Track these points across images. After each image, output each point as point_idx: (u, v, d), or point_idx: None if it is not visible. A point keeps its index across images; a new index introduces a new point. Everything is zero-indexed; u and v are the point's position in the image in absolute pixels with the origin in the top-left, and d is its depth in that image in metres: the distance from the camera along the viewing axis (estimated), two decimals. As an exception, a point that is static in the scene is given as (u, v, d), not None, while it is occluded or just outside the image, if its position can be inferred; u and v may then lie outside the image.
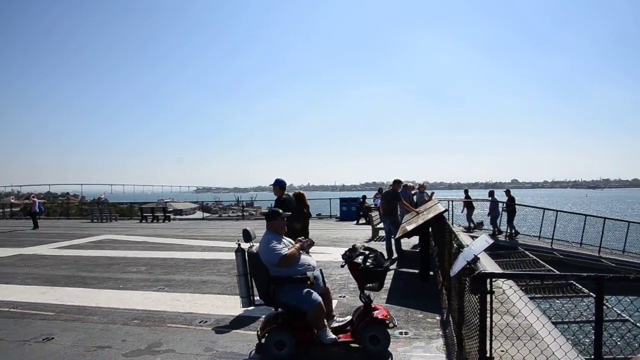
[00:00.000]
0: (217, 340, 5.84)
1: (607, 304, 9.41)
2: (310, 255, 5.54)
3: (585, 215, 19.54)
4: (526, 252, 15.43)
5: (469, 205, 20.69)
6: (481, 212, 23.05)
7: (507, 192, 20.19)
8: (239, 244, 5.51)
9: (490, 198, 20.12)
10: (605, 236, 18.62)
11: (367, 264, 5.19)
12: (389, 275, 9.55)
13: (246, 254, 5.42)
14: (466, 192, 22.59)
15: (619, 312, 9.23)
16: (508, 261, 14.49)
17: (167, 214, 28.65)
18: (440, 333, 6.06)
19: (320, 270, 5.54)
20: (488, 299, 3.25)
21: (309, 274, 5.12)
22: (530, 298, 9.68)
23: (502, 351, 4.87)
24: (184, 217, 35.91)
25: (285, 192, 8.39)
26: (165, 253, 13.44)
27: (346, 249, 5.62)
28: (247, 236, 5.56)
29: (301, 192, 8.80)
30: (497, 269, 10.85)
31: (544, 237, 18.73)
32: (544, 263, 13.47)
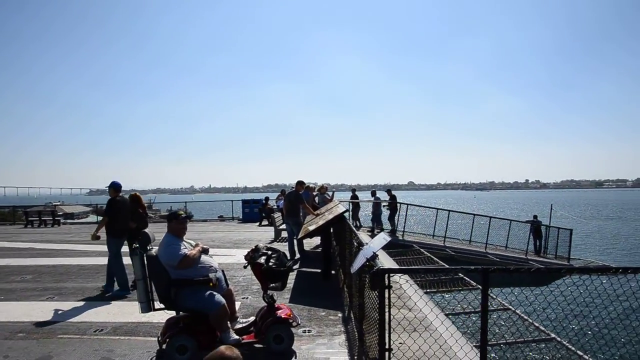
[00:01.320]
0: (115, 349, 5.54)
1: (491, 294, 10.21)
2: (211, 257, 5.45)
3: (474, 214, 21.07)
4: (421, 249, 16.26)
5: (355, 205, 21.31)
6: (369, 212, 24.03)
7: (389, 192, 21.20)
8: (136, 247, 5.26)
9: (372, 197, 21.06)
10: (490, 234, 20.23)
11: (270, 264, 5.21)
12: (292, 275, 9.64)
13: (145, 257, 5.20)
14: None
15: (502, 301, 10.03)
16: (405, 259, 15.20)
17: (57, 218, 26.61)
18: (343, 329, 6.23)
19: (223, 271, 5.46)
20: (386, 294, 3.40)
21: (211, 275, 5.03)
22: (426, 292, 10.26)
23: (400, 343, 5.11)
24: (75, 221, 33.50)
25: (120, 195, 8.81)
26: (54, 260, 12.42)
27: (249, 250, 5.60)
28: (145, 239, 5.33)
29: (137, 194, 9.26)
30: (395, 266, 11.38)
31: (438, 236, 19.91)
32: (437, 260, 14.28)
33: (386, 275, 3.43)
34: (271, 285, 5.32)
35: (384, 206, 20.43)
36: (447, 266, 12.32)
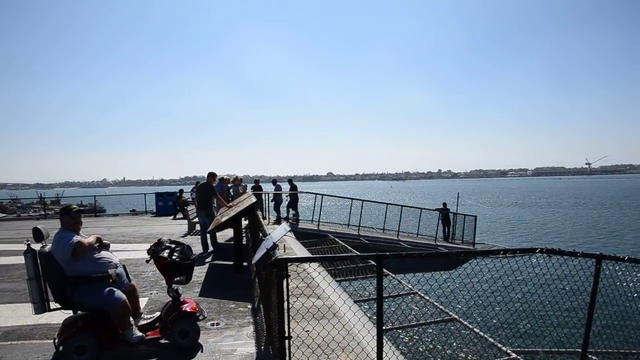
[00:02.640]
0: (5, 355, 5.17)
1: (402, 280, 10.65)
2: (111, 252, 5.24)
3: (387, 204, 21.77)
4: (336, 239, 16.56)
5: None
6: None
7: (290, 181, 21.35)
8: (28, 245, 4.92)
9: (273, 187, 21.20)
10: (403, 222, 21.03)
11: (174, 257, 5.10)
12: (203, 269, 9.51)
13: (37, 254, 4.88)
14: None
15: (411, 287, 10.48)
16: (320, 248, 15.43)
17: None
18: (251, 320, 6.24)
19: (124, 267, 5.27)
20: (285, 283, 3.46)
21: (111, 271, 4.84)
22: (337, 280, 10.50)
23: (307, 330, 5.21)
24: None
25: None
26: None
27: (151, 244, 5.44)
28: (38, 235, 4.98)
29: None
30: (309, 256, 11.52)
31: (352, 225, 20.38)
32: (351, 248, 14.60)
33: (288, 265, 3.48)
34: (176, 279, 5.21)
35: (285, 195, 20.53)
36: (347, 254, 12.63)
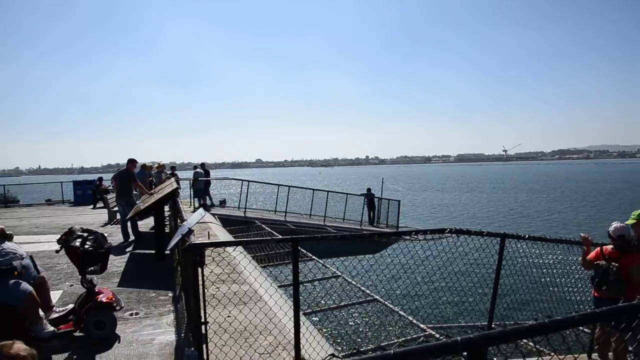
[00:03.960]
0: None
1: (325, 264, 10.87)
2: (16, 243, 4.96)
3: (313, 189, 22.00)
4: (263, 225, 16.54)
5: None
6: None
7: (202, 166, 21.01)
8: None
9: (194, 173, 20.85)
10: (330, 207, 21.35)
11: (86, 246, 4.92)
12: (123, 258, 9.22)
13: None
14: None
15: (335, 270, 10.70)
16: (246, 235, 15.37)
17: None
18: (172, 309, 6.16)
19: (31, 257, 5.00)
20: (201, 268, 3.45)
21: (15, 263, 4.58)
22: (263, 266, 10.53)
23: (229, 316, 5.22)
24: None
25: None
26: None
27: (61, 233, 5.21)
28: None
29: None
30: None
31: (279, 211, 20.44)
32: (277, 234, 14.65)
33: (204, 250, 3.47)
34: (90, 269, 5.04)
35: (200, 180, 20.17)
36: (263, 238, 12.66)
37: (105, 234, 5.42)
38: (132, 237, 10.97)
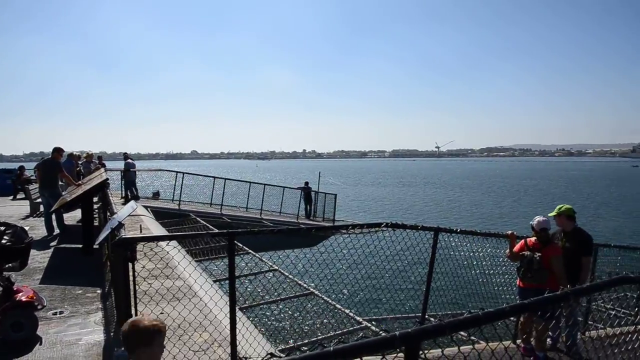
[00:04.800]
0: None
1: (261, 257, 10.74)
2: None
3: (250, 182, 21.74)
4: (198, 218, 16.15)
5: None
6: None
7: (125, 157, 20.21)
8: None
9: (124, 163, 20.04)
10: (266, 200, 21.17)
11: (3, 241, 4.55)
12: (47, 253, 8.68)
13: None
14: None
15: (271, 263, 10.60)
16: (180, 228, 14.94)
17: None
18: (100, 306, 5.86)
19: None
20: (132, 264, 3.27)
21: None
22: (198, 261, 10.27)
23: (162, 313, 5.02)
24: None
25: None
26: None
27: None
28: None
29: None
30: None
31: (215, 204, 20.04)
32: (212, 227, 14.33)
33: (135, 245, 3.29)
34: (7, 265, 4.68)
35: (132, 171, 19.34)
36: (198, 232, 12.41)
37: (27, 228, 5.07)
38: (57, 231, 10.35)
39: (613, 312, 7.19)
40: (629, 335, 3.92)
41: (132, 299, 3.39)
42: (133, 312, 3.38)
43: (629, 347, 3.78)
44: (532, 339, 5.69)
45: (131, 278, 3.36)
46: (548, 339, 5.77)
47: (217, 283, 8.25)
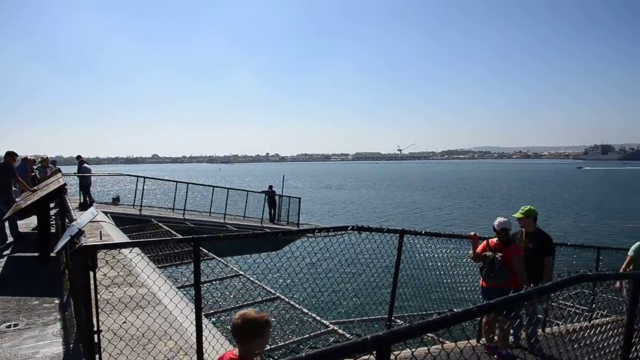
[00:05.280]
0: None
1: (228, 263, 10.60)
2: None
3: (213, 186, 21.46)
4: (160, 224, 15.82)
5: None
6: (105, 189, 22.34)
7: (80, 162, 19.54)
8: None
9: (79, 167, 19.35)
10: (230, 204, 20.93)
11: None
12: (0, 263, 8.31)
13: None
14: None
15: (237, 269, 10.47)
16: (142, 234, 14.60)
17: None
18: (59, 317, 5.63)
19: None
20: (93, 272, 3.15)
21: None
22: (161, 267, 10.04)
23: (125, 322, 4.88)
24: None
25: None
26: None
27: None
28: None
29: None
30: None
31: (178, 209, 19.68)
32: (175, 233, 14.07)
33: (96, 252, 3.16)
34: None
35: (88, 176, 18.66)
36: (162, 238, 12.17)
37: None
38: (10, 239, 9.92)
39: (572, 309, 7.43)
40: (587, 331, 4.05)
41: (93, 309, 3.25)
42: (94, 322, 3.25)
43: (588, 342, 3.91)
44: (495, 337, 5.82)
45: (92, 287, 3.23)
46: (510, 337, 5.92)
47: (182, 290, 8.08)
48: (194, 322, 4.80)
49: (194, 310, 5.91)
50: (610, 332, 3.84)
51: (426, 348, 1.89)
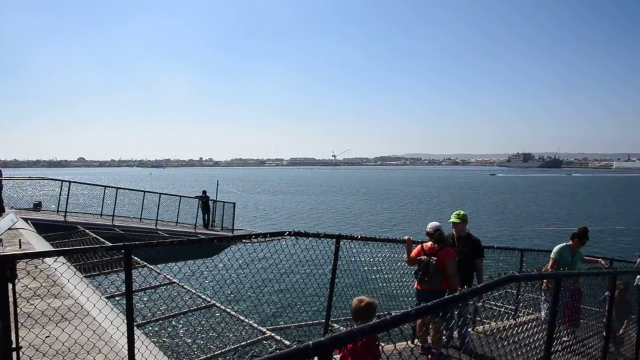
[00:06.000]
0: None
1: (160, 270, 10.22)
2: None
3: (144, 191, 20.74)
4: (87, 230, 15.05)
5: None
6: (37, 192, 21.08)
7: None
8: None
9: None
10: (162, 210, 20.28)
11: None
12: None
13: None
14: None
15: (170, 277, 10.10)
16: (68, 241, 13.81)
17: None
18: (-28, 333, 5.17)
19: None
20: (12, 284, 2.90)
21: None
22: (88, 276, 9.51)
23: (49, 337, 4.56)
24: None
25: None
26: None
27: None
28: None
29: None
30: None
31: (106, 215, 18.82)
32: (104, 240, 13.42)
33: (16, 262, 2.92)
34: None
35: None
36: (89, 246, 11.62)
37: None
38: None
39: (502, 308, 7.77)
40: (514, 329, 4.24)
41: (13, 323, 3.00)
42: (13, 337, 3.00)
43: (515, 340, 4.09)
44: (429, 338, 5.98)
45: (11, 299, 2.98)
46: (443, 337, 6.10)
47: (112, 300, 7.68)
48: (125, 333, 4.56)
49: (125, 320, 5.64)
50: (534, 329, 4.04)
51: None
